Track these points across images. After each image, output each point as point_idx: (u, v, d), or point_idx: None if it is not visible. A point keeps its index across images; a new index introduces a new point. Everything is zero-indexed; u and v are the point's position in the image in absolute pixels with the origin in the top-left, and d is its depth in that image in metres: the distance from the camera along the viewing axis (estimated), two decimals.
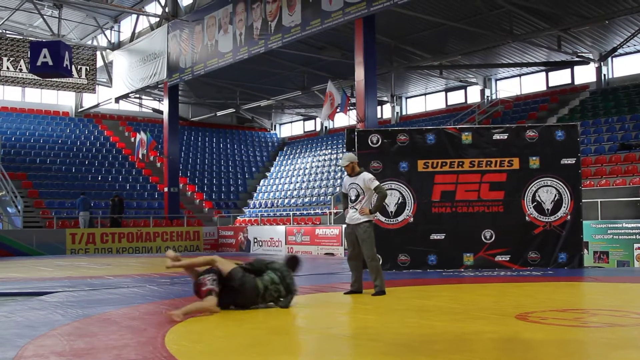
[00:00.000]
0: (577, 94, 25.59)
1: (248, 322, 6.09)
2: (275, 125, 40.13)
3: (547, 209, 11.95)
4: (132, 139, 30.97)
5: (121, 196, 25.50)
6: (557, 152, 12.07)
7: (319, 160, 31.65)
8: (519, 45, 24.18)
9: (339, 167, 29.22)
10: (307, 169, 31.59)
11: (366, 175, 8.18)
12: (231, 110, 33.92)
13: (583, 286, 9.69)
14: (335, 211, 22.38)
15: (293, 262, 7.31)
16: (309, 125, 38.76)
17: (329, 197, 25.47)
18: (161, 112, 30.40)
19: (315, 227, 21.13)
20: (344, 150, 28.76)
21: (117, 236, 22.94)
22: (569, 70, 26.60)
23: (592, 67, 25.19)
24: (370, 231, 8.12)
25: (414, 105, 32.86)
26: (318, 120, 36.88)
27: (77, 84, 28.55)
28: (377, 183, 8.17)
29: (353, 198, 8.19)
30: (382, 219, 11.93)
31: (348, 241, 8.43)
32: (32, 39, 26.26)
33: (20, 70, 26.85)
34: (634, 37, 22.46)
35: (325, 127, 36.51)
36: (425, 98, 32.34)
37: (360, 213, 8.10)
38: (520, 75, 28.46)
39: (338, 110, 17.99)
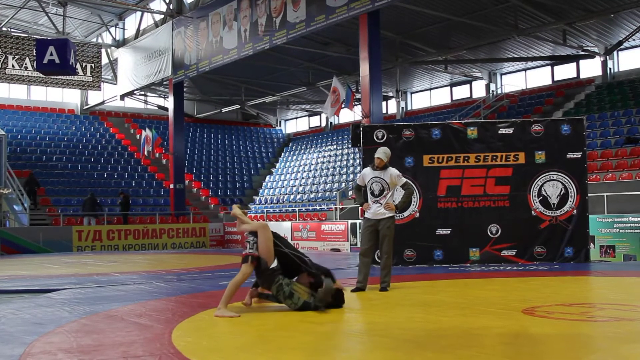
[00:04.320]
0: (582, 87, 25.51)
1: (255, 319, 6.09)
2: (280, 121, 40.13)
3: (553, 204, 11.92)
4: (138, 136, 31.04)
5: (127, 193, 25.58)
6: (563, 147, 12.02)
7: (325, 156, 31.64)
8: (524, 40, 24.10)
9: (345, 163, 29.21)
10: (312, 164, 31.59)
11: (393, 171, 8.08)
12: (236, 106, 33.94)
13: (589, 280, 9.67)
14: (341, 207, 22.35)
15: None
16: (314, 121, 38.74)
17: (334, 192, 25.46)
18: (166, 109, 30.45)
19: (321, 222, 21.14)
20: (349, 146, 28.79)
21: (124, 233, 23.02)
22: (574, 64, 26.49)
23: (597, 60, 25.09)
24: (393, 227, 8.08)
25: (419, 100, 32.81)
26: (323, 116, 36.87)
27: (83, 81, 28.58)
28: (404, 180, 8.13)
29: (377, 192, 8.06)
30: None
31: (365, 235, 8.18)
32: (37, 37, 26.29)
33: (26, 68, 26.87)
34: (639, 30, 22.36)
35: (331, 122, 36.50)
36: (430, 93, 32.29)
37: (385, 208, 8.00)
38: (525, 70, 28.37)
39: (343, 105, 17.96)
